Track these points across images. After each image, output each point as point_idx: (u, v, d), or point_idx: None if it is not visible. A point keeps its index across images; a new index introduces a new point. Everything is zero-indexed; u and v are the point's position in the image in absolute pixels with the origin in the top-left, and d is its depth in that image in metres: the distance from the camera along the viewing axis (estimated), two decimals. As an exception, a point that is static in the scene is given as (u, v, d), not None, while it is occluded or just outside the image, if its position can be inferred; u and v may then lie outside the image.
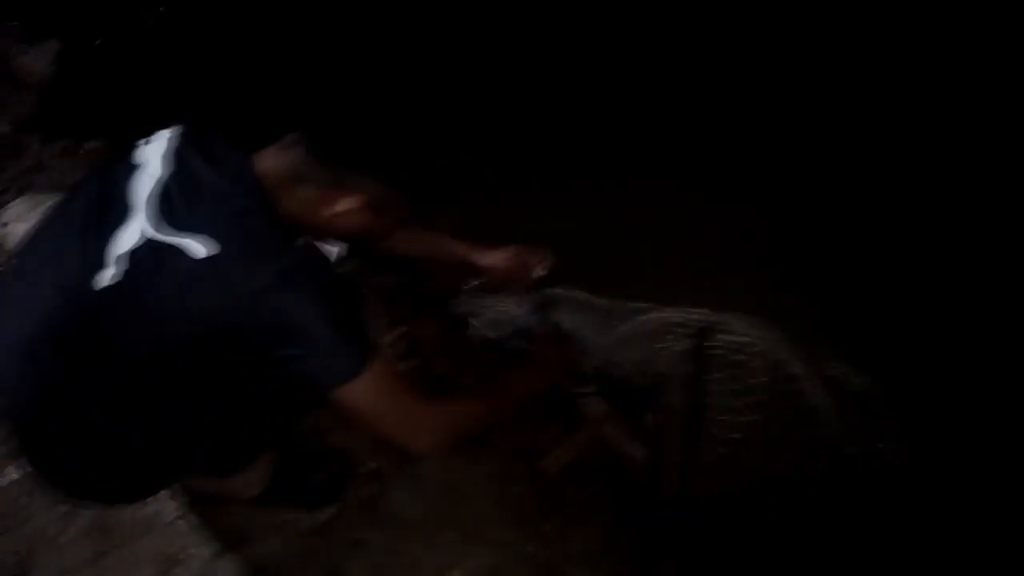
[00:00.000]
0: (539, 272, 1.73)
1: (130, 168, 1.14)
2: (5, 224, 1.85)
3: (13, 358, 1.13)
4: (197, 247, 1.04)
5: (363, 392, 1.11)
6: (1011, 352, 1.78)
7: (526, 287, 1.76)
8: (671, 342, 1.74)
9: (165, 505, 1.50)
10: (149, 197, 1.10)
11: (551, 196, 2.23)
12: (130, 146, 1.18)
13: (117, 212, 1.10)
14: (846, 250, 2.14)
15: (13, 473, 1.50)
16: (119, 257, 1.07)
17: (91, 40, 2.42)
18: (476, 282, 1.81)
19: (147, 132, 1.20)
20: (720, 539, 1.64)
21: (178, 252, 1.04)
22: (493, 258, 1.72)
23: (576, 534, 1.67)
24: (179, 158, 1.13)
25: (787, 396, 1.68)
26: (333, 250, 1.24)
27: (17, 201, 1.91)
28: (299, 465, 1.57)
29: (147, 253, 1.06)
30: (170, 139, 1.16)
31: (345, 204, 1.14)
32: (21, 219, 1.87)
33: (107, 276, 1.07)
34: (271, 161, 1.14)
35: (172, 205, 1.08)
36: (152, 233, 1.06)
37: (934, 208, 2.10)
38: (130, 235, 1.08)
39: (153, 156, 1.15)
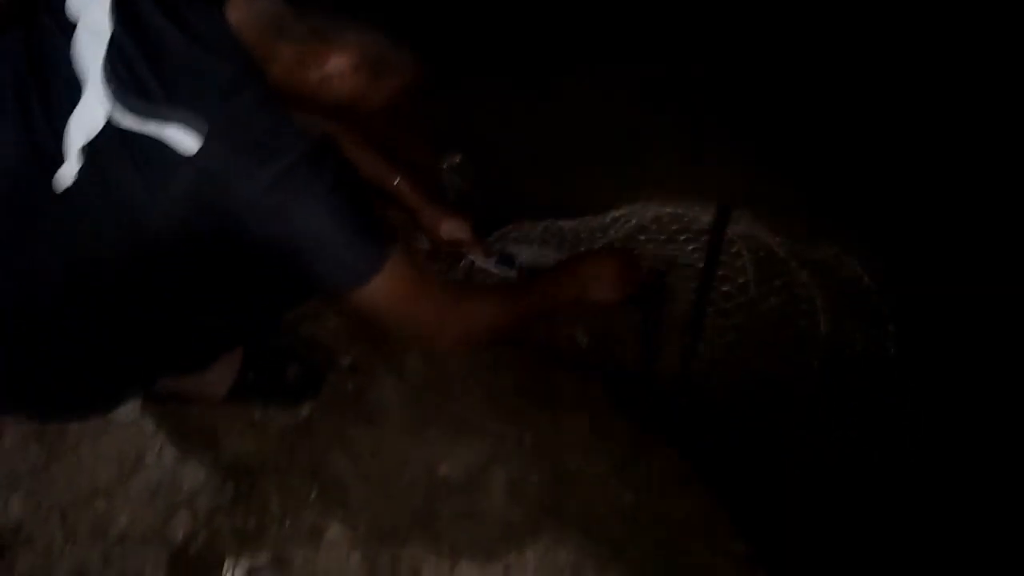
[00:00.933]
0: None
1: (63, 24, 0.89)
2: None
3: None
4: (183, 139, 0.83)
5: (382, 291, 0.95)
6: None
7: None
8: (660, 234, 1.64)
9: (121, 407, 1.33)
10: (102, 65, 0.86)
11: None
12: None
13: (63, 86, 0.87)
14: (828, 127, 2.01)
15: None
16: (81, 148, 0.85)
17: None
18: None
19: None
20: (714, 426, 1.57)
21: (159, 146, 0.83)
22: (426, 221, 1.55)
23: (570, 421, 1.57)
24: (130, 11, 0.88)
25: (778, 286, 1.61)
26: None
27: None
28: (270, 359, 1.40)
29: (117, 144, 0.85)
30: None
31: (335, 64, 0.92)
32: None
33: (69, 174, 0.86)
34: (242, 12, 0.90)
35: (137, 77, 0.85)
36: (119, 118, 0.84)
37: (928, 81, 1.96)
38: (89, 119, 0.85)
39: (93, 8, 0.89)
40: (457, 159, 1.95)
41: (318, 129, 1.04)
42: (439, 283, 1.03)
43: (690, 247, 1.63)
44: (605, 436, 1.56)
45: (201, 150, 0.83)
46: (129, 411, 1.34)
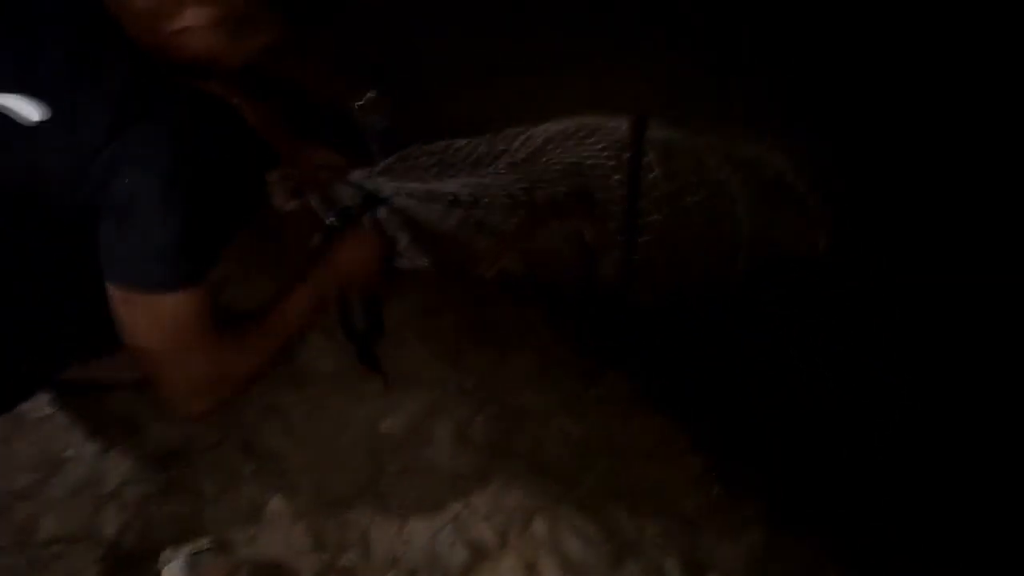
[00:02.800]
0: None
1: None
2: None
3: None
4: (26, 108, 0.77)
5: (156, 307, 0.85)
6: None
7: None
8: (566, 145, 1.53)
9: (33, 402, 1.23)
10: None
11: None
12: None
13: None
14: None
15: None
16: None
17: None
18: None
19: None
20: (659, 346, 1.52)
21: (2, 117, 0.78)
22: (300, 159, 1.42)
23: (513, 359, 1.51)
24: None
25: (704, 189, 1.52)
26: None
27: None
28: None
29: None
30: None
31: (193, 16, 0.84)
32: None
33: None
34: None
35: None
36: None
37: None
38: None
39: None
40: (372, 95, 1.80)
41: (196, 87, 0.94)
42: (220, 338, 0.90)
43: (600, 146, 1.52)
44: (550, 369, 1.50)
45: (44, 120, 0.78)
46: (43, 406, 1.24)
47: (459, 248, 1.41)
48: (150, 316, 0.85)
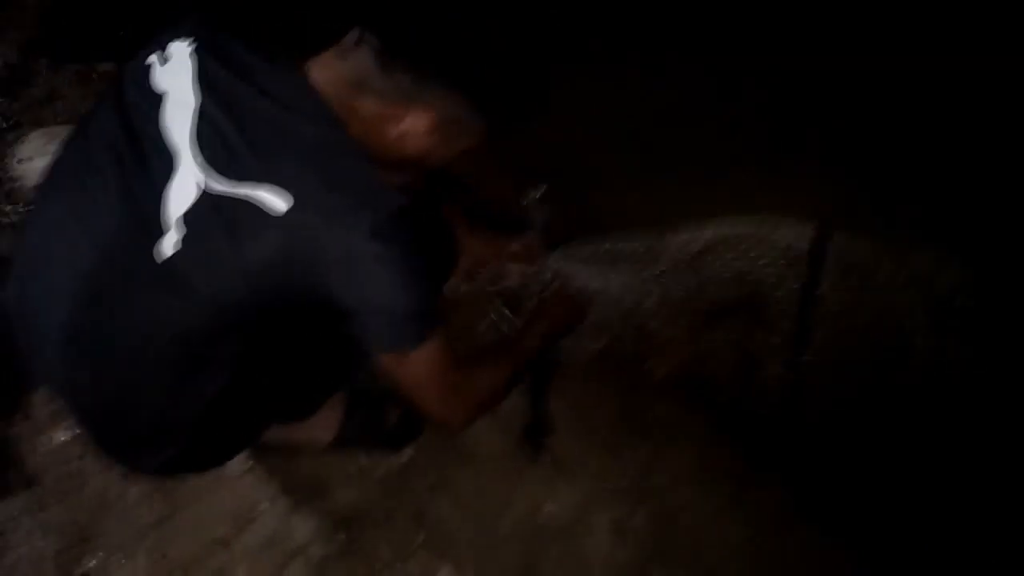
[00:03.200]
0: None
1: (153, 96, 0.91)
2: (21, 160, 1.64)
3: (56, 338, 0.95)
4: (274, 200, 0.85)
5: (414, 364, 0.97)
6: None
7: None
8: (734, 251, 1.56)
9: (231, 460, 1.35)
10: (193, 135, 0.88)
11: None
12: (144, 66, 0.93)
13: (158, 158, 0.89)
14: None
15: (61, 435, 1.35)
16: (179, 219, 0.87)
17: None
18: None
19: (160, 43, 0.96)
20: (820, 454, 1.48)
21: (251, 208, 0.85)
22: (477, 248, 1.57)
23: (669, 456, 1.51)
24: (215, 79, 0.90)
25: (872, 302, 1.51)
26: None
27: (33, 135, 1.69)
28: (371, 406, 1.39)
29: (212, 210, 0.86)
30: (195, 55, 0.92)
31: (414, 122, 0.93)
32: (39, 153, 1.66)
33: (170, 243, 0.87)
34: (329, 71, 0.91)
35: (227, 145, 0.87)
36: (212, 185, 0.86)
37: None
38: (185, 189, 0.87)
39: (180, 78, 0.91)
40: (541, 190, 1.91)
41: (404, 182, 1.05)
42: (461, 371, 1.04)
43: (761, 262, 1.54)
44: (709, 468, 1.49)
45: (291, 209, 0.85)
46: (240, 463, 1.35)
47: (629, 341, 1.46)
48: (416, 367, 0.98)
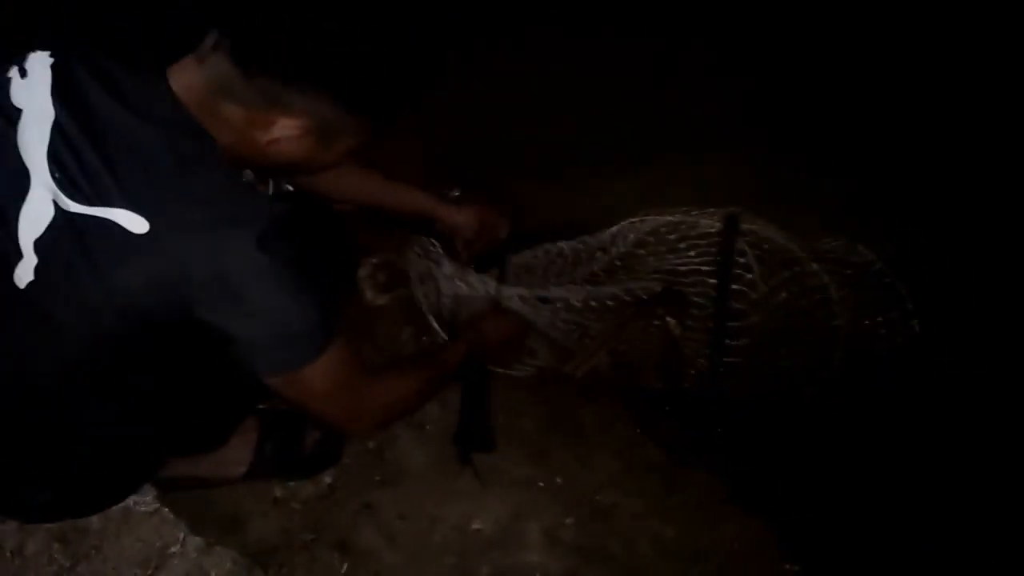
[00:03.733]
0: (500, 236, 1.55)
1: (10, 111, 0.84)
2: None
3: None
4: (133, 219, 0.79)
5: (313, 378, 0.92)
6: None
7: (483, 250, 1.55)
8: (660, 245, 1.56)
9: (141, 497, 1.27)
10: (49, 152, 0.81)
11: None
12: (2, 79, 0.86)
13: (11, 177, 0.82)
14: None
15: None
16: (34, 242, 0.81)
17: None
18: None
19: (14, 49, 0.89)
20: (747, 443, 1.49)
21: (110, 226, 0.79)
22: (460, 216, 1.49)
23: (597, 458, 1.49)
24: (73, 91, 0.83)
25: (788, 278, 1.53)
26: None
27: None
28: (285, 431, 1.33)
29: (67, 234, 0.80)
30: (54, 66, 0.85)
31: (284, 127, 0.86)
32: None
33: (27, 268, 0.81)
34: (190, 77, 0.85)
35: (82, 162, 0.80)
36: (69, 204, 0.80)
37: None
38: (38, 210, 0.81)
39: (36, 92, 0.84)
40: (456, 191, 1.87)
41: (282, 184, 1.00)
42: (363, 375, 1.01)
43: (692, 253, 1.55)
44: (638, 468, 1.48)
45: (151, 229, 0.79)
46: (149, 501, 1.28)
47: (557, 350, 1.44)
48: (311, 384, 0.92)
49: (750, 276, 1.48)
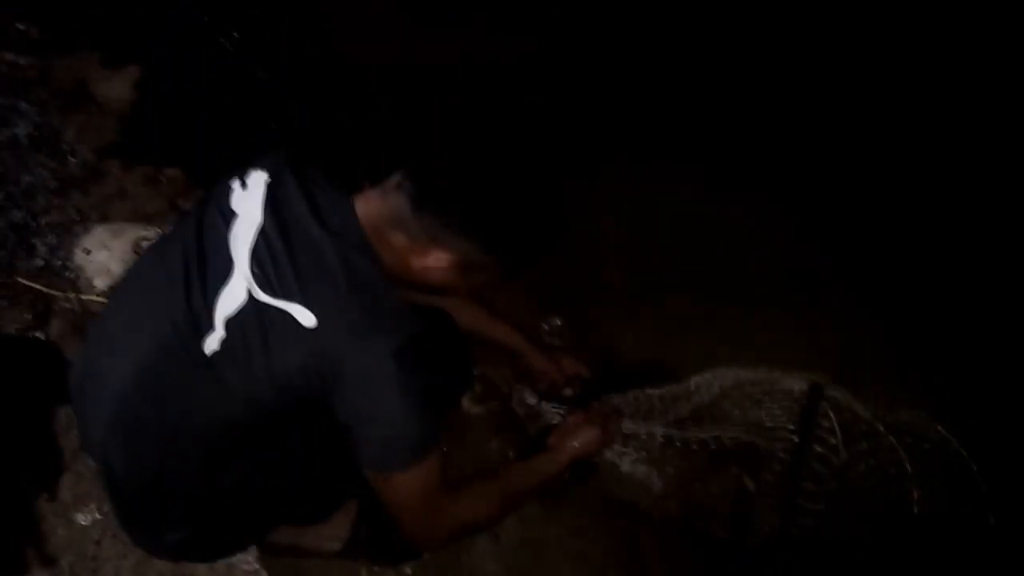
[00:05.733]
0: (570, 391, 1.67)
1: (228, 214, 1.05)
2: (88, 251, 1.76)
3: (107, 415, 1.05)
4: (304, 314, 0.96)
5: (402, 484, 1.06)
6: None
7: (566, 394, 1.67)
8: (745, 399, 1.63)
9: (243, 556, 1.39)
10: (251, 251, 1.01)
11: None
12: (227, 188, 1.08)
13: (219, 266, 1.01)
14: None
15: (82, 519, 1.41)
16: (226, 319, 0.98)
17: (171, 66, 2.34)
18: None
19: (233, 160, 1.10)
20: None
21: (286, 319, 0.97)
22: (540, 363, 1.65)
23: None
24: (279, 205, 1.04)
25: (865, 451, 1.56)
26: None
27: (98, 229, 1.82)
28: (381, 517, 1.44)
29: (253, 316, 0.98)
30: (268, 183, 1.06)
31: (437, 259, 1.05)
32: (102, 246, 1.79)
33: (216, 339, 0.99)
34: (373, 206, 1.05)
35: (276, 262, 0.99)
36: (257, 293, 0.98)
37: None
38: (235, 294, 0.99)
39: (251, 202, 1.05)
40: (557, 322, 2.01)
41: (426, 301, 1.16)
42: (447, 494, 1.12)
43: (776, 410, 1.61)
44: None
45: (318, 325, 0.96)
46: (251, 561, 1.39)
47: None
48: (396, 490, 1.06)
49: (833, 442, 1.53)
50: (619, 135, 2.31)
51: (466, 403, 1.77)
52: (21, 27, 2.42)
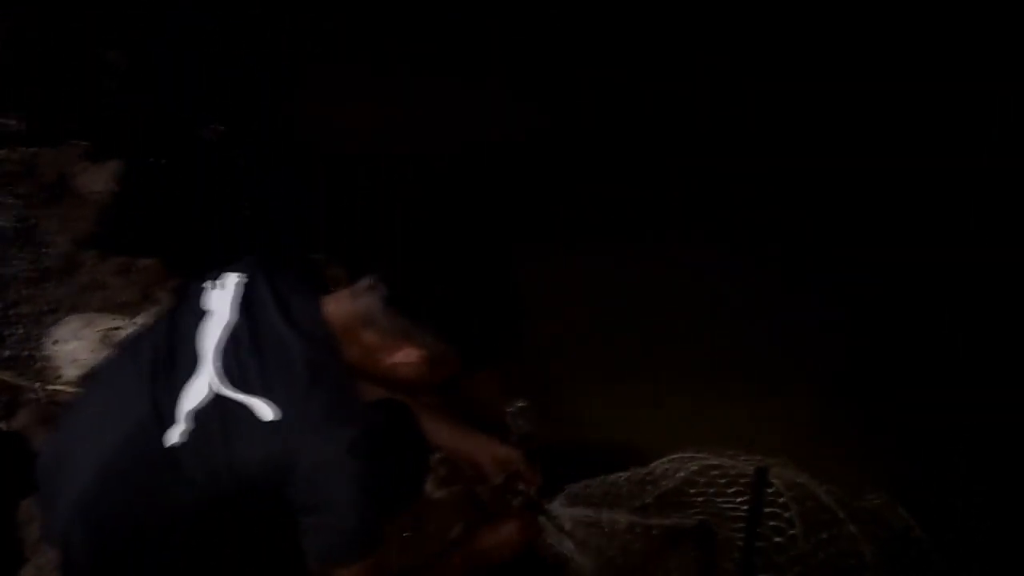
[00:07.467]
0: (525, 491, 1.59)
1: (199, 313, 1.09)
2: (56, 342, 1.77)
3: (72, 508, 1.05)
4: (264, 409, 0.99)
5: None
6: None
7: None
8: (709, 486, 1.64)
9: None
10: (217, 348, 1.05)
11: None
12: (201, 288, 1.12)
13: (186, 362, 1.05)
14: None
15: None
16: (188, 413, 1.01)
17: (152, 160, 2.41)
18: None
19: (204, 253, 1.15)
20: None
21: (246, 412, 1.00)
22: (490, 466, 1.56)
23: None
24: (250, 304, 1.09)
25: (825, 539, 1.56)
26: None
27: (70, 319, 1.83)
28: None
29: (214, 410, 1.01)
30: (239, 283, 1.11)
31: (407, 355, 1.09)
32: (73, 336, 1.80)
33: (176, 433, 1.01)
34: (343, 306, 1.10)
35: (241, 358, 1.03)
36: (220, 388, 1.01)
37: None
38: (199, 389, 1.02)
39: (223, 302, 1.10)
40: (522, 404, 2.02)
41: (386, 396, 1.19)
42: None
43: (739, 499, 1.61)
44: None
45: (279, 418, 0.99)
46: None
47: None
48: None
49: (792, 532, 1.52)
50: (583, 221, 2.39)
51: (429, 486, 1.76)
52: (8, 121, 2.50)
